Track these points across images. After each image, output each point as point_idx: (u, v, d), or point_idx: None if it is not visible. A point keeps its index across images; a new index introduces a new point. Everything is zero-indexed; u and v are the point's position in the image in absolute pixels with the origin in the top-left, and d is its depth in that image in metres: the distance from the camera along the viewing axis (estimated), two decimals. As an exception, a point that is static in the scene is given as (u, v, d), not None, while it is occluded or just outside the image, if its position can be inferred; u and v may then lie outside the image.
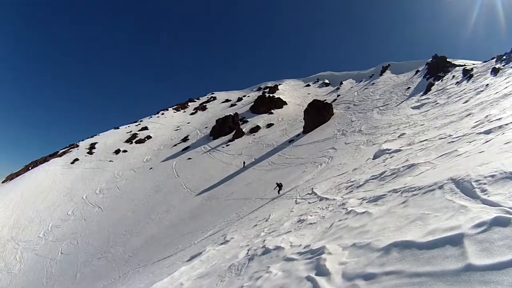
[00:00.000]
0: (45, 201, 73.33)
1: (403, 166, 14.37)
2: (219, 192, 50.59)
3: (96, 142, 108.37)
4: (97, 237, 53.37)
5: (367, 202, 10.71)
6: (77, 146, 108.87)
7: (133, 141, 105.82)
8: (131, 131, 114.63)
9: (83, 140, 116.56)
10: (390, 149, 23.73)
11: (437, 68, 67.21)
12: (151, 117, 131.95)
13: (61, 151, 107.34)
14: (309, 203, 19.37)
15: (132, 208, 60.08)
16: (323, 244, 7.64)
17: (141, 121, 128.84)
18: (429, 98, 50.00)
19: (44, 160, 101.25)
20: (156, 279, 17.16)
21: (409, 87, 66.94)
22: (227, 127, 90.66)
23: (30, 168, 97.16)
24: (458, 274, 4.01)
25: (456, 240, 4.63)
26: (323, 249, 7.23)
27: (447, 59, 69.34)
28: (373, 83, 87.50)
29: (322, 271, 6.16)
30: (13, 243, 59.60)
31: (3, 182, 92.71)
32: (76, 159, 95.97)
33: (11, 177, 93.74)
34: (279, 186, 34.61)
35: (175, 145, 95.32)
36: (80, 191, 76.35)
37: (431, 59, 73.56)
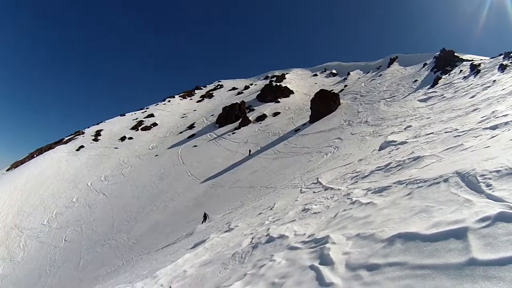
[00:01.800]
0: (49, 188, 73.50)
1: (408, 158, 14.38)
2: (224, 180, 50.72)
3: (102, 129, 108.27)
4: (101, 224, 53.51)
5: (372, 193, 10.72)
6: (83, 133, 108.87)
7: (139, 128, 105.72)
8: (137, 118, 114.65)
9: (88, 127, 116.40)
10: (396, 141, 23.73)
11: (445, 62, 67.08)
12: (157, 104, 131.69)
13: (66, 138, 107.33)
14: (314, 192, 19.35)
15: (137, 195, 60.17)
16: (327, 234, 7.65)
17: (147, 108, 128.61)
18: (436, 92, 49.73)
19: (49, 147, 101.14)
20: (159, 266, 17.14)
21: (416, 80, 66.83)
22: (233, 115, 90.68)
23: (35, 155, 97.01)
24: (461, 268, 3.97)
25: (460, 234, 4.61)
26: (327, 239, 7.24)
27: (455, 54, 69.04)
28: (381, 75, 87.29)
29: (326, 261, 6.15)
30: (17, 231, 59.82)
31: (7, 170, 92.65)
32: (82, 146, 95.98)
33: (15, 165, 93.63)
34: (205, 216, 34.42)
35: (181, 133, 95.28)
36: (85, 178, 76.50)
37: (438, 53, 73.37)
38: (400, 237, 5.41)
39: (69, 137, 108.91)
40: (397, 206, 7.50)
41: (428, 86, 56.81)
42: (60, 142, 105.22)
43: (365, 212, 8.34)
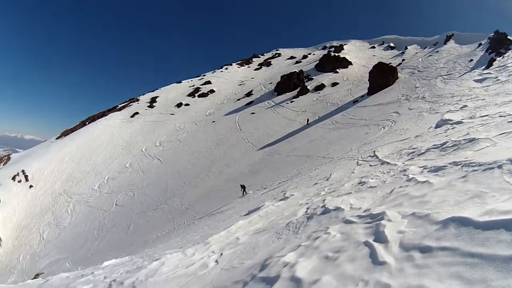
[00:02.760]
0: (101, 155, 75.75)
1: (464, 139, 14.22)
2: (281, 148, 51.07)
3: (157, 96, 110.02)
4: (154, 188, 54.70)
5: (428, 172, 10.74)
6: (137, 100, 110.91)
7: (196, 95, 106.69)
8: (193, 85, 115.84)
9: (143, 94, 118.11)
10: (452, 120, 23.46)
11: (499, 44, 64.96)
12: (214, 71, 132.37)
13: (120, 106, 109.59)
14: (370, 165, 19.39)
15: (192, 160, 61.14)
16: (383, 210, 7.68)
17: (204, 75, 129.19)
18: (491, 74, 47.92)
19: (103, 114, 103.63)
20: (211, 232, 17.50)
21: (471, 59, 64.68)
22: (291, 84, 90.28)
23: (87, 123, 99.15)
24: (508, 261, 4.00)
25: (510, 225, 4.58)
26: (383, 215, 7.27)
27: (508, 37, 67.01)
28: (437, 51, 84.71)
29: (381, 238, 6.19)
30: (65, 197, 62.08)
31: (57, 138, 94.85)
32: (136, 113, 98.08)
33: (65, 133, 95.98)
34: (243, 188, 34.87)
35: (238, 100, 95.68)
36: (139, 144, 78.27)
37: (493, 34, 71.17)
38: (453, 221, 5.41)
39: (123, 104, 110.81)
40: (453, 188, 7.54)
41: (483, 67, 54.89)
42: (113, 109, 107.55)
43: (421, 191, 8.37)
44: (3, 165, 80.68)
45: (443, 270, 4.43)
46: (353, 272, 5.41)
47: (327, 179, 20.42)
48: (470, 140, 13.60)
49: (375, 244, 5.98)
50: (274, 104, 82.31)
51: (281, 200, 18.66)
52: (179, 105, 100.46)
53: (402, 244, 5.63)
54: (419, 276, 4.59)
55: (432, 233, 5.45)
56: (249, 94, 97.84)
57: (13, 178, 67.20)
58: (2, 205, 59.85)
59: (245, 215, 19.01)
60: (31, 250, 50.02)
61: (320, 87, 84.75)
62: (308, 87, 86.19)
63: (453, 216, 5.54)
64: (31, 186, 66.05)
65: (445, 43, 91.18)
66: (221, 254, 10.69)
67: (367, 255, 5.80)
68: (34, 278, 36.54)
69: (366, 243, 6.24)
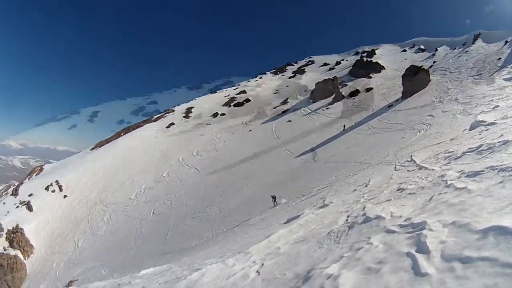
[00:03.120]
0: (137, 165, 75.81)
1: (498, 142, 14.11)
2: (319, 155, 51.07)
3: (193, 107, 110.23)
4: (192, 197, 54.52)
5: (465, 177, 10.69)
6: (173, 111, 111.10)
7: (231, 104, 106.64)
8: (228, 95, 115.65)
9: (178, 105, 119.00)
10: (486, 121, 23.12)
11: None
12: (248, 81, 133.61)
13: (156, 117, 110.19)
14: (408, 171, 19.23)
15: (230, 169, 60.72)
16: (424, 219, 7.61)
17: (238, 85, 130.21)
18: (520, 71, 47.81)
19: (138, 126, 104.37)
20: (251, 241, 17.44)
21: (500, 58, 64.33)
22: (326, 90, 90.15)
23: (122, 134, 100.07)
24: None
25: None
26: (424, 225, 7.21)
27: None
28: (467, 51, 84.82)
29: (423, 249, 6.15)
30: (101, 206, 62.50)
31: (91, 149, 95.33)
32: (172, 123, 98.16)
33: (100, 144, 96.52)
34: (274, 198, 35.19)
35: (274, 108, 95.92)
36: (176, 153, 77.91)
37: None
38: (493, 230, 5.40)
39: (158, 115, 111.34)
40: (491, 194, 7.56)
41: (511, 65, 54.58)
42: (149, 120, 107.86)
43: (460, 198, 8.36)
44: (35, 176, 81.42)
45: (481, 281, 4.44)
46: (395, 285, 5.44)
47: (366, 186, 20.34)
48: (504, 142, 13.55)
49: (417, 255, 5.95)
50: (310, 111, 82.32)
51: (320, 207, 18.57)
52: (215, 115, 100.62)
53: (444, 254, 5.61)
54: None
55: (472, 243, 5.45)
56: (284, 102, 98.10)
57: (47, 188, 67.91)
58: (35, 214, 60.61)
59: (285, 223, 18.97)
60: (65, 258, 50.64)
61: (355, 92, 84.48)
62: (343, 93, 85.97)
63: (492, 225, 5.54)
64: (65, 196, 66.80)
65: (473, 43, 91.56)
66: (262, 265, 10.61)
67: (409, 266, 5.79)
68: (68, 285, 37.96)
69: (408, 254, 6.21)
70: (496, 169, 9.65)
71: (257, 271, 10.13)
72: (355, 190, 20.68)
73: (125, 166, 75.91)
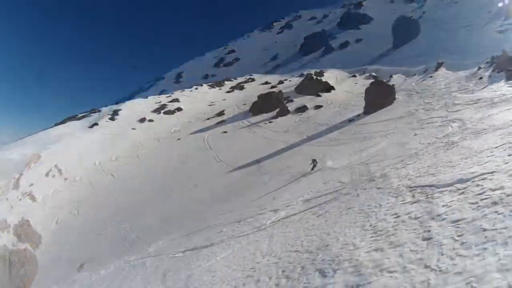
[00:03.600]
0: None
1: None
2: (266, 167, 46.46)
3: (120, 109, 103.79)
4: (103, 208, 49.84)
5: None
6: (99, 111, 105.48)
7: (161, 111, 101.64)
8: (160, 102, 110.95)
9: (106, 106, 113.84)
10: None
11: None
12: (183, 90, 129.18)
13: (80, 115, 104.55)
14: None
15: (151, 179, 55.87)
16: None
17: (172, 93, 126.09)
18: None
19: (61, 122, 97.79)
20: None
21: (481, 77, 56.98)
22: (270, 104, 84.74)
23: (49, 128, 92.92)
24: None
25: None
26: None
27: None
28: (431, 76, 77.67)
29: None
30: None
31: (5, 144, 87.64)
32: (95, 124, 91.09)
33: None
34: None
35: (208, 119, 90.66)
36: (93, 156, 70.94)
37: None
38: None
39: (83, 114, 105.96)
40: None
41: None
42: (73, 118, 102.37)
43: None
44: (34, 164, 73.66)
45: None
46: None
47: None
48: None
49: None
50: (249, 124, 77.45)
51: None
52: (142, 120, 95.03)
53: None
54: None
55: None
56: (220, 113, 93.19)
57: (47, 175, 61.88)
58: (38, 203, 54.16)
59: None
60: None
61: (302, 108, 79.74)
62: (289, 109, 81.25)
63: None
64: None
65: (436, 71, 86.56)
66: None
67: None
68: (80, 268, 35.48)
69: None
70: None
71: None
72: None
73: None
